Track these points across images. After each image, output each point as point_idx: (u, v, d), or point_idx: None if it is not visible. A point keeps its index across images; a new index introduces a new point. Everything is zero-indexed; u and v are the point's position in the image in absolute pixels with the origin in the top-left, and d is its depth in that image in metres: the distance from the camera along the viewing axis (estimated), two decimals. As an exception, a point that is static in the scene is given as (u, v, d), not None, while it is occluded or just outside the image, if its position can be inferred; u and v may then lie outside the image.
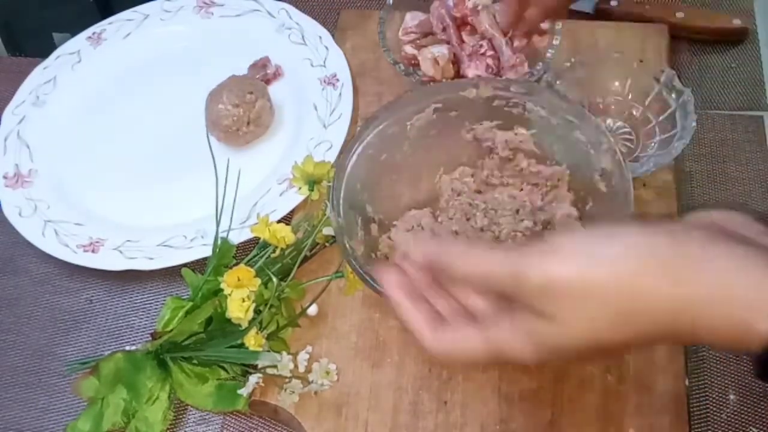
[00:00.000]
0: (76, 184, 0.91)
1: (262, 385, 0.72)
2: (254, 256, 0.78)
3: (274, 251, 0.76)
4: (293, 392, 0.72)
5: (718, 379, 0.74)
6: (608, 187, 0.72)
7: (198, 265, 0.80)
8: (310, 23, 0.99)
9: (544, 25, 0.85)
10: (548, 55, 0.84)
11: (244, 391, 0.72)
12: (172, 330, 0.75)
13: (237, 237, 0.81)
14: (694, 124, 0.81)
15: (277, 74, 0.96)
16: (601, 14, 0.98)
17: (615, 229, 0.48)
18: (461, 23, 0.90)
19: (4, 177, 0.91)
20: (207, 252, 0.80)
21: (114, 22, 1.03)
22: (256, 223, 0.76)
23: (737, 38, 0.96)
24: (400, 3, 0.91)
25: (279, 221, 0.79)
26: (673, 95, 0.83)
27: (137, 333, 0.82)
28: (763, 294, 0.45)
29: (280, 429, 0.75)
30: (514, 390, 0.72)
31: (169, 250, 0.83)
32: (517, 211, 0.75)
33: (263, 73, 0.96)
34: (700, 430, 0.72)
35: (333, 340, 0.76)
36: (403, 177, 0.79)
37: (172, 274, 0.82)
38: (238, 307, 0.71)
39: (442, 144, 0.78)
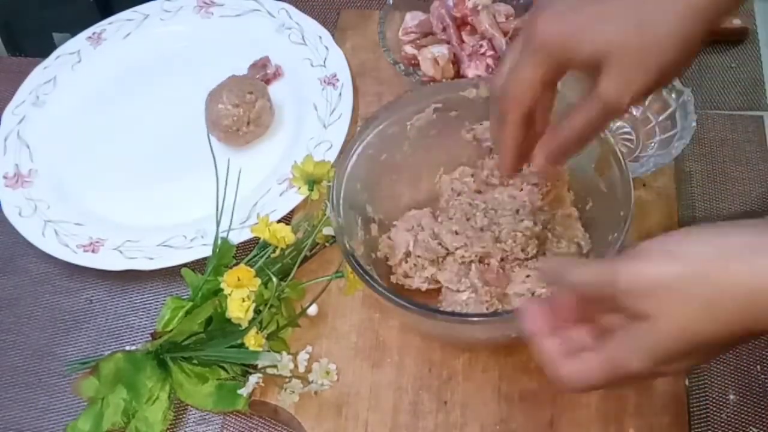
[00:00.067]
0: (76, 184, 0.91)
1: (262, 385, 0.72)
2: (254, 256, 0.78)
3: (274, 251, 0.76)
4: (293, 392, 0.72)
5: (718, 379, 0.74)
6: (608, 187, 0.72)
7: (198, 265, 0.80)
8: (310, 23, 0.99)
9: None
10: (548, 55, 0.84)
11: (244, 391, 0.72)
12: (172, 330, 0.75)
13: (237, 237, 0.81)
14: (694, 124, 0.81)
15: (277, 74, 0.96)
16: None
17: (691, 228, 0.52)
18: (461, 23, 0.90)
19: (4, 177, 0.91)
20: (207, 252, 0.80)
21: (114, 22, 1.03)
22: (256, 223, 0.76)
23: (737, 38, 0.96)
24: (400, 3, 0.91)
25: (279, 221, 0.78)
26: (673, 95, 0.83)
27: (137, 333, 0.82)
28: None
29: (280, 429, 0.75)
30: (514, 390, 0.72)
31: (169, 250, 0.83)
32: (517, 211, 0.75)
33: (263, 73, 0.96)
34: (700, 430, 0.72)
35: (333, 340, 0.76)
36: (403, 177, 0.79)
37: (172, 274, 0.82)
38: (238, 307, 0.70)
39: (442, 144, 0.78)
